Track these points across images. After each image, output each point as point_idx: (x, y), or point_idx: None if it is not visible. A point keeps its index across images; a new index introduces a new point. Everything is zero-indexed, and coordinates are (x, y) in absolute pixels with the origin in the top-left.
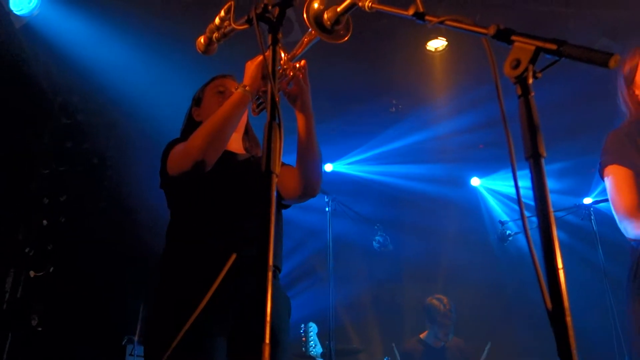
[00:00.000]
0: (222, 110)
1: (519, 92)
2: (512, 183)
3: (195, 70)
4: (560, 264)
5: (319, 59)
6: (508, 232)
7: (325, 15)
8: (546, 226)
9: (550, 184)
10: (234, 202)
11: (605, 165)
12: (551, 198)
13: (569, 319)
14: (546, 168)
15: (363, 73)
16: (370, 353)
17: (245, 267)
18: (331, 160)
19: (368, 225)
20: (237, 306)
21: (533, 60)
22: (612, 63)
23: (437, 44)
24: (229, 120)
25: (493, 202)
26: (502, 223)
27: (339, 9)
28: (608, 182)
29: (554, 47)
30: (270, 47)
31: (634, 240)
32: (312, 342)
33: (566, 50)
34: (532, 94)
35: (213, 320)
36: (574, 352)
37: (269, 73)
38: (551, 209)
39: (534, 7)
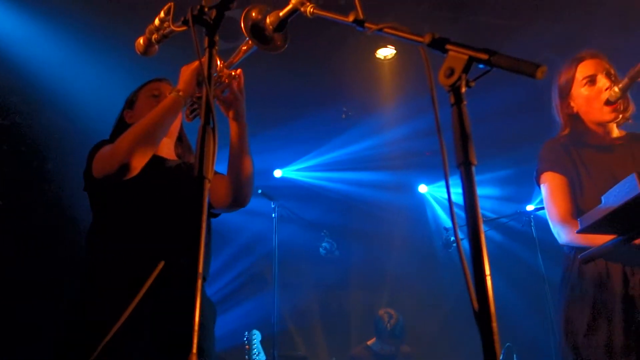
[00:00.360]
0: (152, 113)
1: (452, 100)
2: (460, 190)
3: (138, 72)
4: (487, 271)
5: (270, 64)
6: (452, 238)
7: (268, 20)
8: (475, 233)
9: (494, 191)
10: (161, 208)
11: (541, 173)
12: (495, 205)
13: (494, 324)
14: (490, 176)
15: (315, 79)
16: (316, 359)
17: (172, 276)
18: (281, 166)
19: (315, 231)
20: (161, 315)
21: (466, 70)
22: (539, 74)
23: (386, 52)
24: (159, 124)
25: (440, 209)
26: (447, 230)
27: (281, 14)
28: (543, 188)
29: (485, 57)
30: (207, 51)
31: (566, 245)
32: (255, 350)
33: (496, 60)
34: (465, 102)
35: (133, 336)
36: (499, 357)
37: (204, 76)
38: (480, 216)
39: (482, 20)
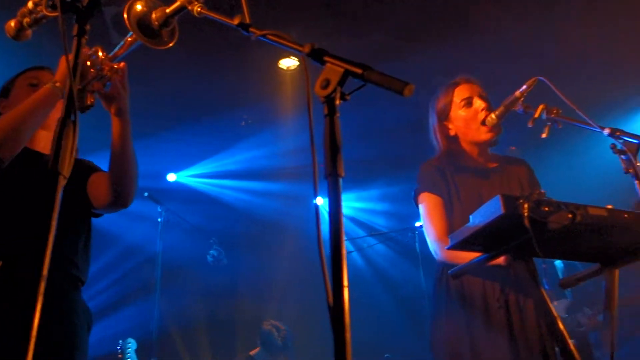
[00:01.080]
0: (25, 104)
1: (326, 111)
2: (357, 204)
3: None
4: (345, 282)
5: (175, 64)
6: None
7: (153, 15)
8: (336, 243)
9: (384, 206)
10: (22, 205)
11: (419, 193)
12: (384, 220)
13: (348, 335)
14: (382, 191)
15: (218, 84)
16: None
17: (19, 278)
18: (175, 170)
19: (203, 238)
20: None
21: (341, 82)
22: (406, 92)
23: (289, 63)
24: (31, 115)
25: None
26: None
27: (167, 10)
28: (421, 208)
29: (359, 71)
30: (75, 39)
31: (441, 262)
32: (128, 359)
33: (369, 75)
34: (338, 114)
35: None
36: None
37: (69, 67)
38: (342, 228)
39: (380, 39)
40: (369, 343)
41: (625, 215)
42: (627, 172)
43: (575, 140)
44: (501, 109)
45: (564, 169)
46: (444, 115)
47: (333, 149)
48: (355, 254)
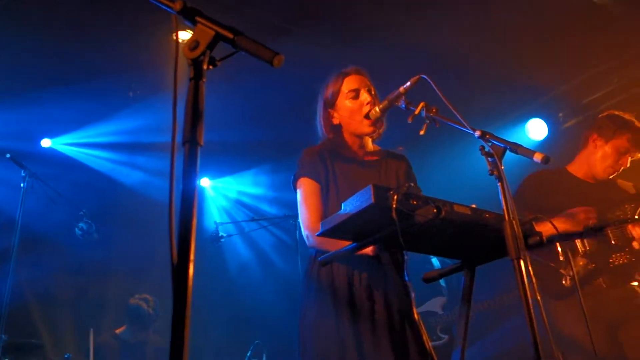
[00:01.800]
0: None
1: (192, 74)
2: (244, 188)
3: None
4: (192, 256)
5: (60, 17)
6: (221, 233)
7: None
8: (186, 214)
9: (270, 191)
10: None
11: (298, 178)
12: (269, 206)
13: (188, 313)
14: (268, 177)
15: (108, 49)
16: (60, 347)
17: None
18: (51, 135)
19: (74, 210)
20: None
21: (211, 46)
22: (276, 62)
23: (185, 37)
24: None
25: (221, 203)
26: (217, 224)
27: None
28: (298, 193)
29: (230, 35)
30: None
31: (311, 248)
32: None
33: (239, 41)
34: (204, 79)
35: None
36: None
37: None
38: (196, 198)
39: (265, 18)
40: (242, 328)
41: (487, 215)
42: (491, 174)
43: (457, 141)
44: (385, 103)
45: (447, 169)
46: (330, 103)
47: (194, 115)
48: (237, 237)
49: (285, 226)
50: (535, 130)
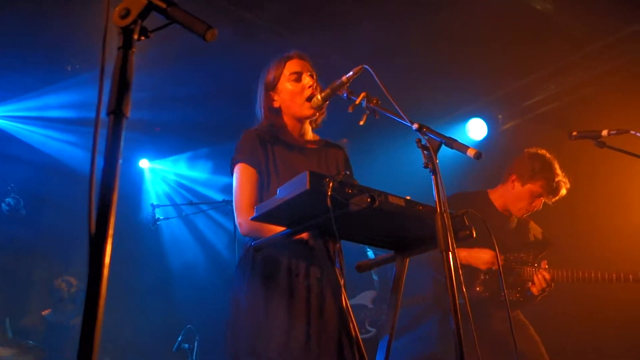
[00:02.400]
0: None
1: (121, 43)
2: (183, 170)
3: None
4: (110, 230)
5: None
6: (157, 215)
7: None
8: (108, 190)
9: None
10: None
11: (235, 163)
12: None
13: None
14: (209, 161)
15: (46, 21)
16: None
17: None
18: None
19: (0, 183)
20: None
21: (142, 15)
22: (209, 36)
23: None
24: None
25: (160, 186)
26: (154, 206)
27: None
28: (234, 178)
29: (163, 5)
30: None
31: (245, 234)
32: None
33: (173, 13)
34: (134, 50)
35: None
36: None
37: None
38: (118, 171)
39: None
40: (176, 313)
41: (420, 208)
42: (426, 167)
43: (400, 134)
44: (327, 91)
45: (390, 162)
46: (271, 86)
47: (121, 86)
48: (175, 221)
49: (224, 210)
50: (475, 129)
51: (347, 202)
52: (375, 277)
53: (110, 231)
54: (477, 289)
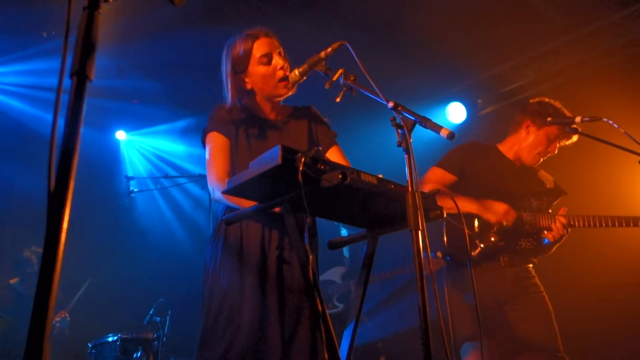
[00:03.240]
0: None
1: (86, 3)
2: (160, 141)
3: None
4: (69, 195)
5: None
6: (132, 188)
7: None
8: (68, 151)
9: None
10: None
11: (207, 132)
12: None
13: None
14: (187, 134)
15: None
16: None
17: None
18: None
19: None
20: None
21: None
22: (177, 0)
23: None
24: None
25: (134, 159)
26: (128, 178)
27: None
28: (207, 147)
29: None
30: None
31: (218, 201)
32: None
33: None
34: (100, 11)
35: None
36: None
37: None
38: (79, 134)
39: None
40: (149, 286)
41: (392, 186)
42: (399, 146)
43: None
44: (304, 66)
45: (371, 142)
46: (241, 68)
47: (85, 47)
48: (150, 194)
49: (200, 184)
50: (455, 113)
51: (318, 177)
52: (346, 255)
53: (70, 193)
54: (492, 238)
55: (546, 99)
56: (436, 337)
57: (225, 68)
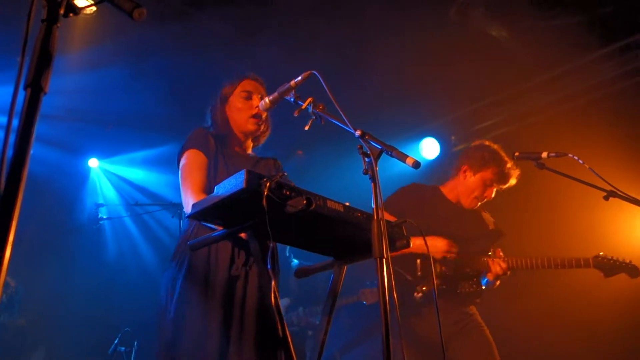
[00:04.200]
0: None
1: (45, 16)
2: (132, 168)
3: None
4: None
5: None
6: (100, 215)
7: None
8: (17, 168)
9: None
10: None
11: (185, 150)
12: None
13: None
14: (159, 163)
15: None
16: None
17: None
18: None
19: None
20: None
21: None
22: (136, 14)
23: (83, 3)
24: None
25: (104, 186)
26: (97, 205)
27: None
28: (182, 163)
29: None
30: None
31: (189, 219)
32: None
33: None
34: (59, 25)
35: None
36: None
37: None
38: (30, 147)
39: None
40: (115, 316)
41: (359, 215)
42: (365, 174)
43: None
44: (275, 95)
45: (344, 172)
46: (224, 99)
47: (42, 60)
48: (119, 221)
49: (171, 212)
50: (429, 149)
51: (283, 203)
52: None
53: (17, 206)
54: (435, 281)
55: (486, 142)
56: None
57: (214, 101)
